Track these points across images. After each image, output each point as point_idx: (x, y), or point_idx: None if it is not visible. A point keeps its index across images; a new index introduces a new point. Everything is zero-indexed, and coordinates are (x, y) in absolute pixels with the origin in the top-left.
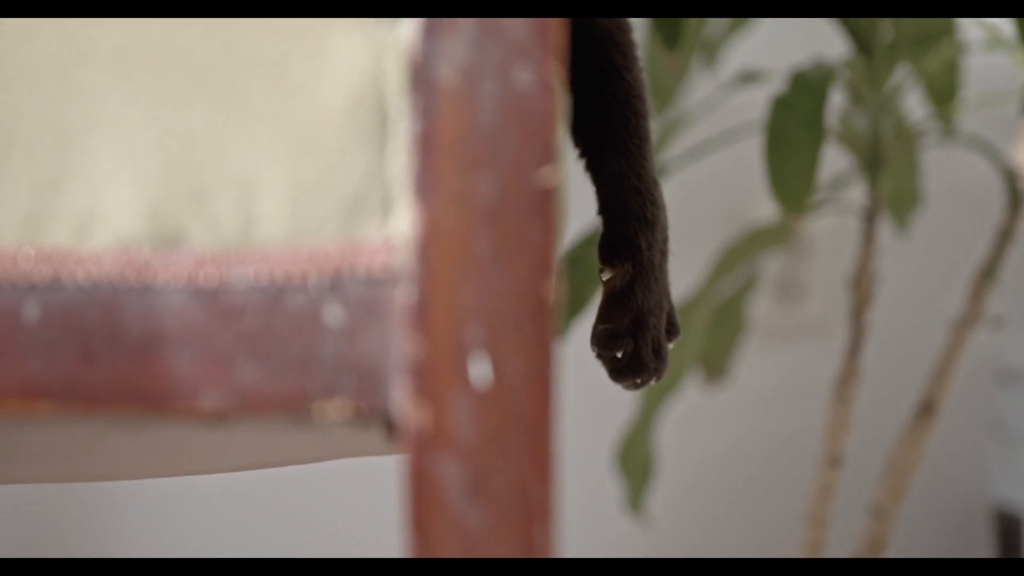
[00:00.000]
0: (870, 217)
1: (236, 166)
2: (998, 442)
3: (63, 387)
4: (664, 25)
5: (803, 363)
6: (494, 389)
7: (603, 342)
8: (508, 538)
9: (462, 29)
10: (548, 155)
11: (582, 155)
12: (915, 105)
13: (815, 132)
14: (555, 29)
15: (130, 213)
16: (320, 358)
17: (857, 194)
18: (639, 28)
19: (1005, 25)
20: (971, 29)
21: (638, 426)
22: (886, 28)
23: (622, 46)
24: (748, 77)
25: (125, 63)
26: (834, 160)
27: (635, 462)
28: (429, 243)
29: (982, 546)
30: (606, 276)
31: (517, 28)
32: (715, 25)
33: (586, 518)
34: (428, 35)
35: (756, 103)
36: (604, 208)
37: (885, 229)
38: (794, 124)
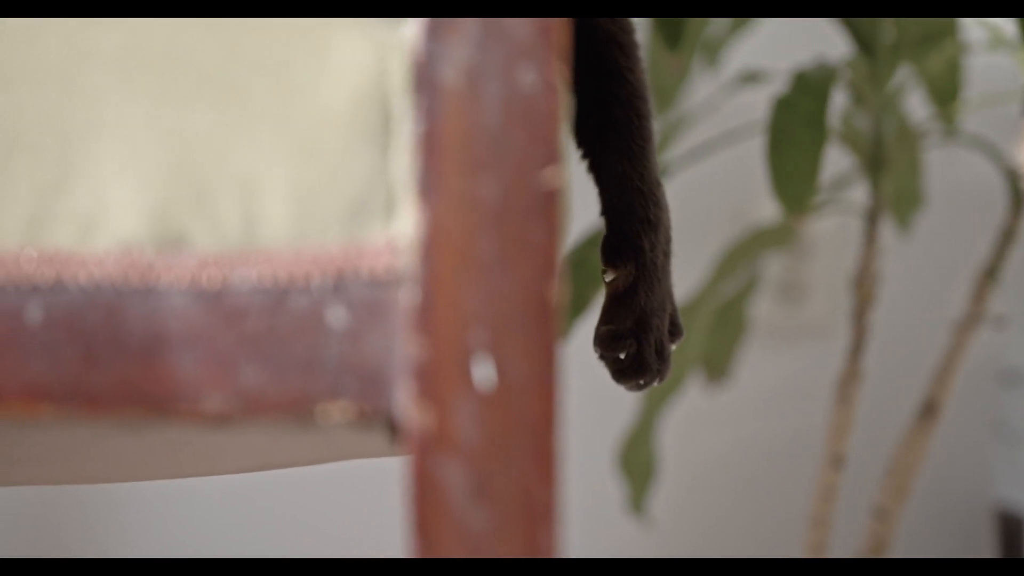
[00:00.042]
0: (872, 217)
1: (239, 167)
2: (1000, 442)
3: (66, 389)
4: (666, 25)
5: (805, 364)
6: (498, 391)
7: (606, 343)
8: (512, 540)
9: (465, 30)
10: (552, 156)
11: (585, 156)
12: (917, 105)
13: (817, 132)
14: (558, 30)
15: (133, 215)
16: (323, 360)
17: (859, 194)
18: (640, 28)
19: (1007, 25)
20: (973, 29)
21: (640, 427)
22: (888, 28)
23: (625, 47)
24: (750, 77)
25: (128, 65)
26: (836, 160)
27: (637, 463)
28: (432, 244)
29: (984, 547)
30: (609, 277)
31: (520, 29)
32: (717, 25)
33: (588, 519)
34: (431, 36)
35: (758, 103)
36: (607, 209)
37: (887, 229)
38: (796, 124)
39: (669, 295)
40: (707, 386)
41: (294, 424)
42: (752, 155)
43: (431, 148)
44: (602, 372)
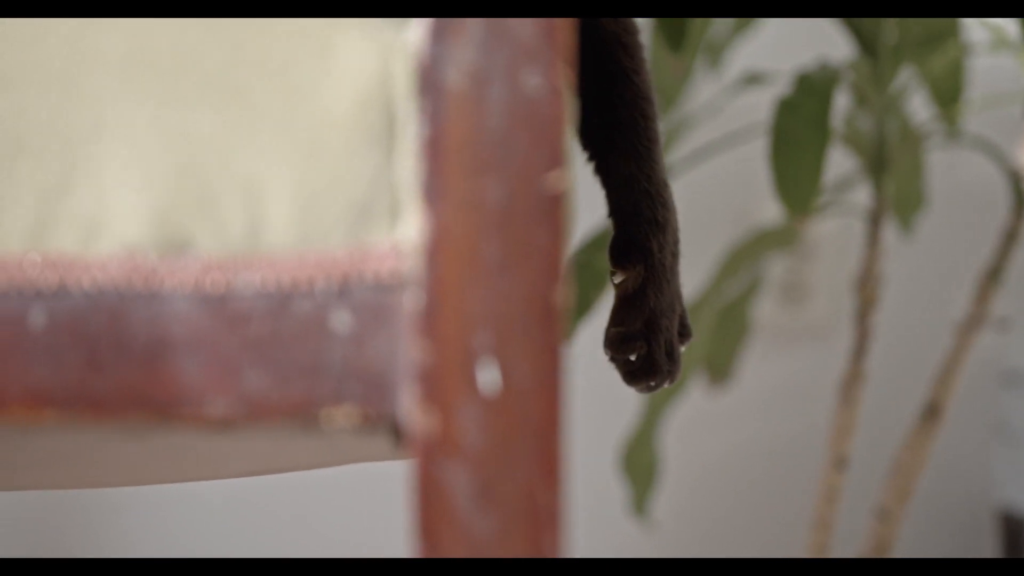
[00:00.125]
0: (875, 219)
1: (242, 171)
2: (1003, 444)
3: (69, 394)
4: (668, 27)
5: (807, 365)
6: (502, 395)
7: (616, 345)
8: (516, 545)
9: (470, 32)
10: (556, 159)
11: (591, 158)
12: (920, 106)
13: (820, 134)
14: (563, 33)
15: (136, 219)
16: (328, 364)
17: (862, 196)
18: (643, 30)
19: (1010, 26)
20: (976, 30)
21: (642, 429)
22: (891, 29)
23: (629, 48)
24: (752, 79)
25: (131, 68)
26: (839, 162)
27: (639, 465)
28: (437, 248)
29: (986, 548)
30: (618, 279)
31: (525, 31)
32: (719, 27)
33: (590, 521)
34: (436, 38)
35: (761, 105)
36: (614, 211)
37: (890, 231)
38: (799, 126)
39: (678, 296)
40: (710, 387)
41: (298, 429)
42: (755, 157)
43: (435, 151)
44: (604, 374)
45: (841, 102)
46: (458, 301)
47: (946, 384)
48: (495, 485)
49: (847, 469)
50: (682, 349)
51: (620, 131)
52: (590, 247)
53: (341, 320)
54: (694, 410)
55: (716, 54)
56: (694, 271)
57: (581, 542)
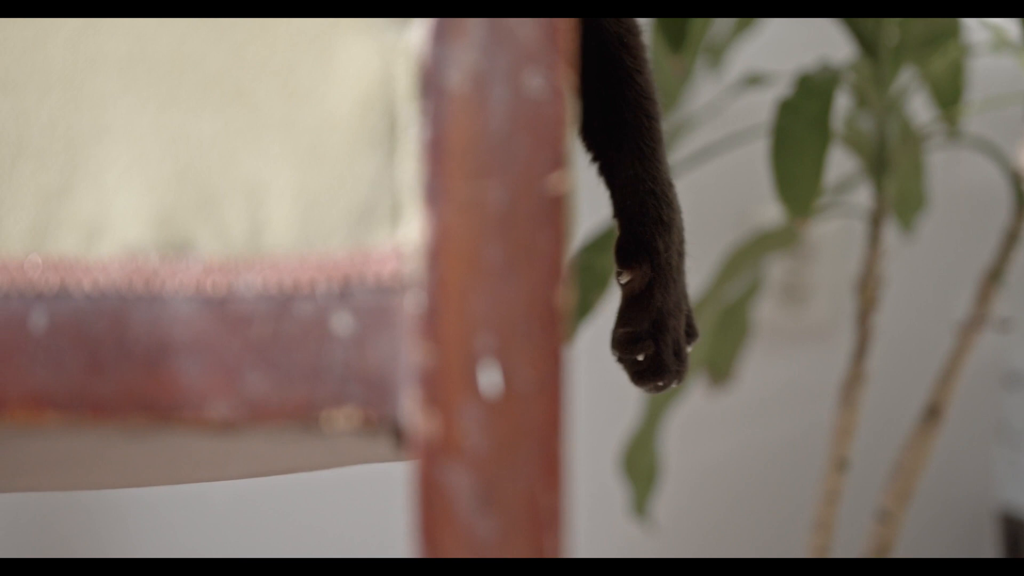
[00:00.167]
0: (876, 220)
1: (244, 173)
2: (1004, 445)
3: (70, 396)
4: (669, 27)
5: (809, 367)
6: (504, 397)
7: (624, 346)
8: (517, 546)
9: (471, 34)
10: (558, 161)
11: (595, 159)
12: (921, 107)
13: (821, 135)
14: (565, 34)
15: (138, 221)
16: (329, 366)
17: (863, 197)
18: (644, 31)
19: (1010, 27)
20: (977, 31)
21: (643, 430)
22: (891, 30)
23: (632, 49)
24: (753, 80)
25: (133, 71)
26: (840, 163)
27: (640, 466)
28: (439, 250)
29: (987, 549)
30: (624, 279)
31: (527, 33)
32: (720, 27)
33: (591, 522)
34: (437, 40)
35: (761, 106)
36: (620, 211)
37: (891, 232)
38: (800, 127)
39: (684, 296)
40: (710, 389)
41: (299, 431)
42: (756, 158)
43: (437, 153)
44: (605, 375)
45: (842, 103)
46: (459, 303)
47: (947, 385)
48: (496, 487)
49: (848, 470)
50: (689, 349)
51: (624, 131)
52: (591, 248)
53: (342, 322)
54: (695, 411)
55: (717, 55)
56: (695, 272)
57: (582, 543)
